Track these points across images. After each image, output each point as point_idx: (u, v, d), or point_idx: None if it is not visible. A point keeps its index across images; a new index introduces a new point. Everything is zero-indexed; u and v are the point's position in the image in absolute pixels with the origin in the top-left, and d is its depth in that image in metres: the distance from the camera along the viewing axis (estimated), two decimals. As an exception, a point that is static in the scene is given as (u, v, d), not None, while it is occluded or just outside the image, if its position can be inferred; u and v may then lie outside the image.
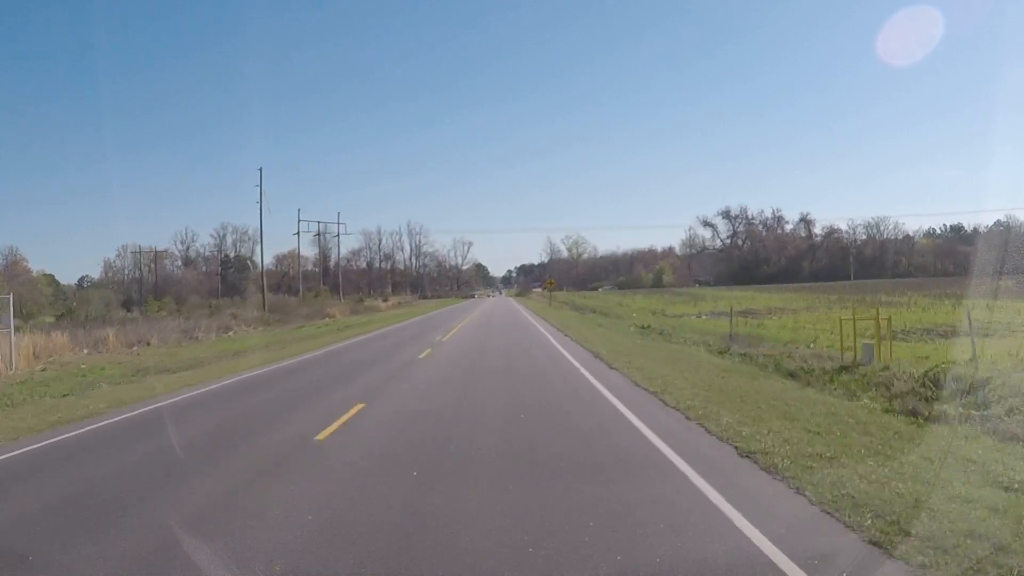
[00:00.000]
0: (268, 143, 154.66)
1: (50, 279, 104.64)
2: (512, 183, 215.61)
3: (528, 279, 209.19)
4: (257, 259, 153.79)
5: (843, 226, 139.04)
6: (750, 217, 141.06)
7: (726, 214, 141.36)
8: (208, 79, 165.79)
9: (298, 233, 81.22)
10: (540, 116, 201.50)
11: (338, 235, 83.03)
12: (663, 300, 64.38)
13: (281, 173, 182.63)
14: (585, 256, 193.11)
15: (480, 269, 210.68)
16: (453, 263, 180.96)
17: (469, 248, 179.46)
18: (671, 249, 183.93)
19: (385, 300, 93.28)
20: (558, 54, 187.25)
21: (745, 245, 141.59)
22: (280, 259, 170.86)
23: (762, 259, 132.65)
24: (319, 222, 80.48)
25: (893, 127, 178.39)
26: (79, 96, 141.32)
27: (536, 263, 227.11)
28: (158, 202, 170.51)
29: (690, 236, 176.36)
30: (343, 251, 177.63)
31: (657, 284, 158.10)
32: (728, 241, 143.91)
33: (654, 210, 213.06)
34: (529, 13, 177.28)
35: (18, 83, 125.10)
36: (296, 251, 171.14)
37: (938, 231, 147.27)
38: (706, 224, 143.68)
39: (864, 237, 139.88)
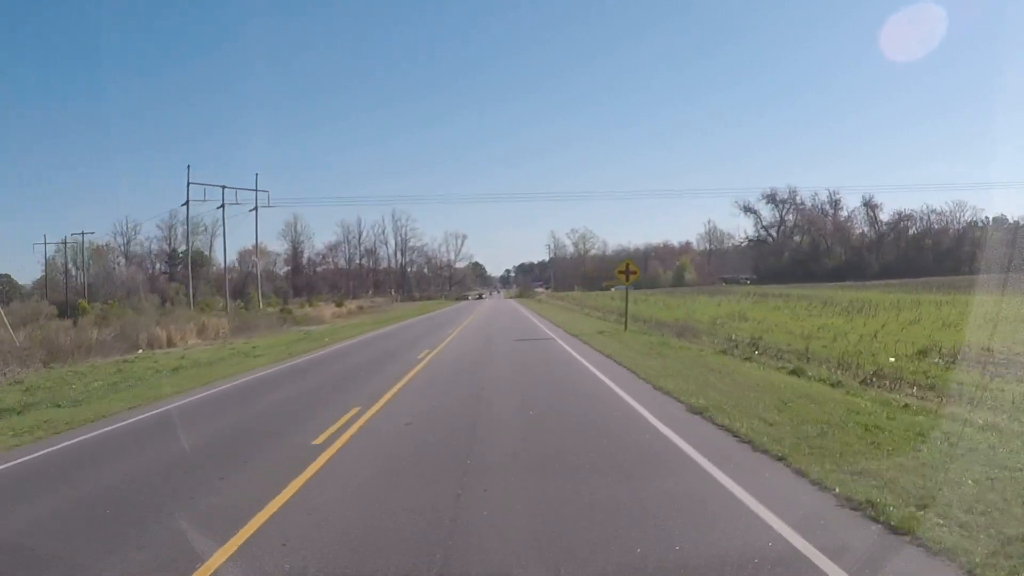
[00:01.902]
0: (266, 143, 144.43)
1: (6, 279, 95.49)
2: (511, 182, 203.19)
3: (528, 278, 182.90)
4: (218, 254, 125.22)
5: (910, 212, 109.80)
6: (798, 202, 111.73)
7: (771, 198, 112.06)
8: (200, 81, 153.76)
9: (187, 203, 50.50)
10: (539, 116, 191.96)
11: (256, 208, 53.24)
12: (786, 309, 35.02)
13: (277, 174, 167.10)
14: (592, 252, 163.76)
15: (477, 268, 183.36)
16: (445, 259, 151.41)
17: (463, 242, 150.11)
18: (688, 244, 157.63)
19: (339, 305, 64.13)
20: (558, 54, 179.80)
21: (794, 234, 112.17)
22: (244, 255, 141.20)
23: (822, 251, 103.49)
24: (223, 187, 50.40)
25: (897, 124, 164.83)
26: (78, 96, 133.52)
27: (536, 261, 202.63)
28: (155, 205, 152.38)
29: (709, 230, 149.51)
30: (317, 246, 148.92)
31: (678, 282, 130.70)
32: (776, 230, 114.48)
33: (657, 208, 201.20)
34: (529, 13, 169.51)
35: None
36: (267, 245, 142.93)
37: (979, 223, 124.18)
38: (747, 210, 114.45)
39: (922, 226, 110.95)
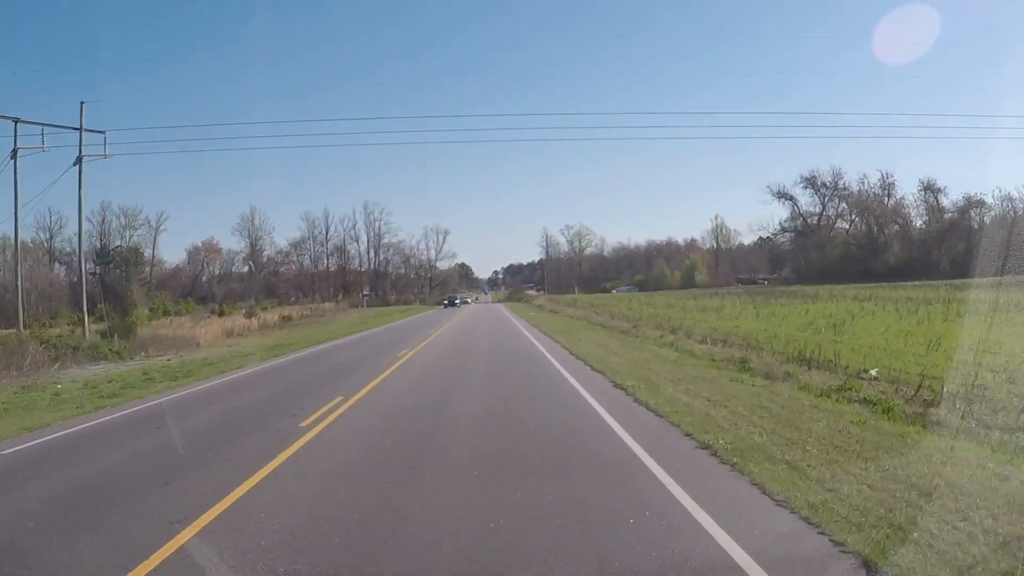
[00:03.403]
0: (266, 141, 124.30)
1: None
2: (503, 180, 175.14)
3: (517, 280, 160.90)
4: (164, 251, 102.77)
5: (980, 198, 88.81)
6: (840, 187, 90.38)
7: (811, 182, 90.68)
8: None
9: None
10: (538, 114, 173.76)
11: (79, 160, 30.97)
12: None
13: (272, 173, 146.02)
14: (589, 251, 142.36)
15: (463, 269, 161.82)
16: (425, 257, 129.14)
17: (445, 238, 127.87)
18: (693, 241, 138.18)
19: (251, 316, 42.16)
20: (558, 51, 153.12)
21: (836, 223, 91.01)
22: (193, 252, 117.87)
23: (880, 244, 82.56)
24: (16, 120, 28.39)
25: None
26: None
27: (525, 263, 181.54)
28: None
29: (716, 226, 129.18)
30: (280, 243, 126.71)
31: (688, 283, 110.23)
32: (816, 221, 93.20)
33: (660, 203, 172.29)
34: (529, 10, 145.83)
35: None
36: (218, 242, 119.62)
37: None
38: (781, 196, 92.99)
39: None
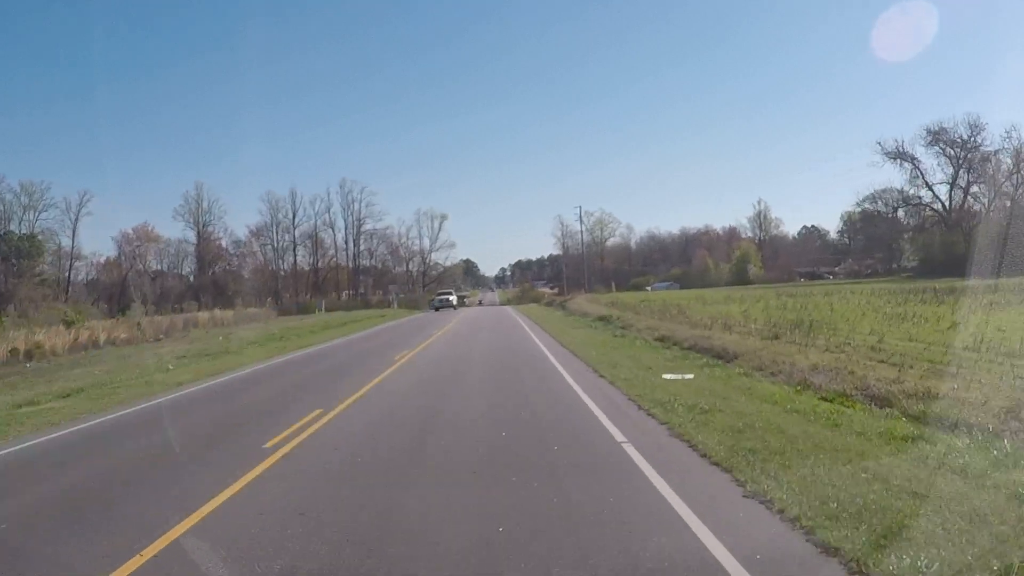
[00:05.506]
0: (264, 141, 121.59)
1: None
2: (513, 180, 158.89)
3: (527, 276, 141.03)
4: (86, 242, 76.31)
5: None
6: (972, 145, 63.58)
7: (937, 137, 63.97)
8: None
9: None
10: (538, 112, 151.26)
11: None
12: None
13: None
14: (612, 241, 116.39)
15: (468, 265, 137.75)
16: (417, 248, 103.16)
17: (442, 224, 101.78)
18: (734, 229, 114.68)
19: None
20: (564, 45, 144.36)
21: (970, 195, 64.19)
22: (125, 241, 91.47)
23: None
24: None
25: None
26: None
27: (535, 258, 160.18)
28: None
29: (759, 212, 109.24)
30: (238, 232, 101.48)
31: (740, 278, 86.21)
32: (948, 191, 66.31)
33: (689, 189, 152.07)
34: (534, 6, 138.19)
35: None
36: (154, 229, 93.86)
37: None
38: (898, 157, 66.04)
39: None
